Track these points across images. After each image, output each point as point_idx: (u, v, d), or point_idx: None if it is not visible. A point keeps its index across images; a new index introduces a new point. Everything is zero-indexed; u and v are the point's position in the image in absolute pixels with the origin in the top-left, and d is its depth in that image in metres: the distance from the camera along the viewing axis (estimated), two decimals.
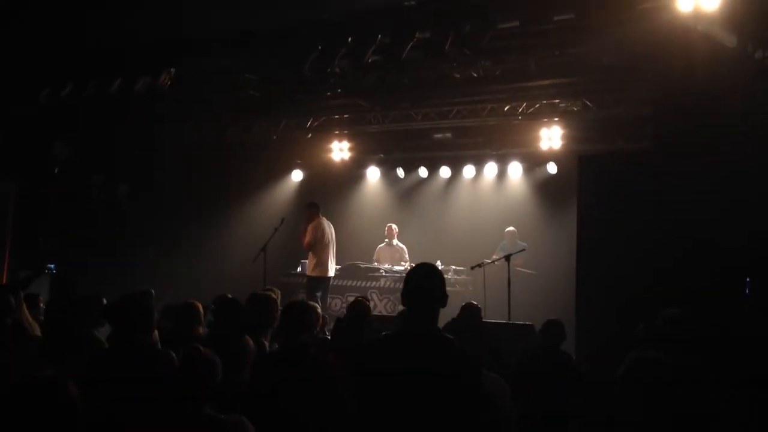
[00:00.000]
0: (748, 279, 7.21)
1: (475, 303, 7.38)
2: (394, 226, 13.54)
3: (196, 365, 3.65)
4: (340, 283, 12.89)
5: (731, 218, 7.21)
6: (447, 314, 7.40)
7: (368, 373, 3.46)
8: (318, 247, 11.62)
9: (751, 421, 5.14)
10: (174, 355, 4.17)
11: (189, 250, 13.24)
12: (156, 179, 12.99)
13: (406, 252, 13.37)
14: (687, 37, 7.49)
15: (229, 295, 5.65)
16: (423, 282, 3.52)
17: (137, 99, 10.48)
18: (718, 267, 7.16)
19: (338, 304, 12.35)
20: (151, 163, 13.02)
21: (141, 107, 11.20)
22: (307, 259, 13.00)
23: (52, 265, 10.88)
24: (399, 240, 13.59)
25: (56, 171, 12.70)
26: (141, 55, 10.27)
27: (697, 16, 7.19)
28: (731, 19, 7.25)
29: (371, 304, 7.04)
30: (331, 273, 11.87)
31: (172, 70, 10.21)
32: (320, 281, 11.65)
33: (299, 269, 13.35)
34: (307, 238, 11.57)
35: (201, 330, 5.99)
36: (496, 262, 10.70)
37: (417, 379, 3.30)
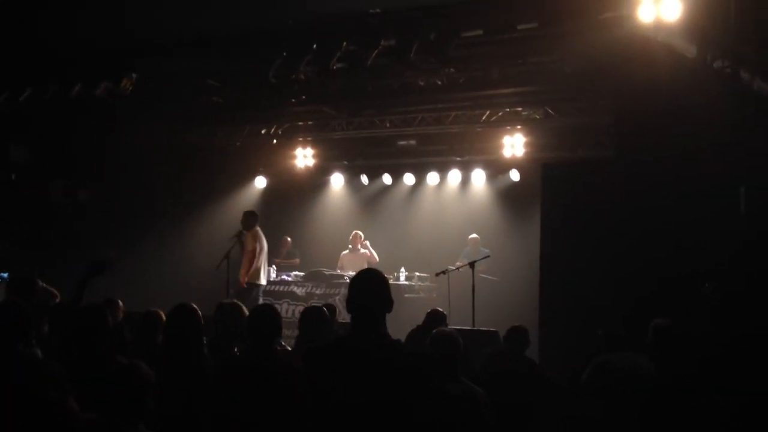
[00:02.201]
0: (706, 284, 7.32)
1: (440, 310, 7.39)
2: (360, 234, 13.51)
3: (130, 380, 3.62)
4: (304, 290, 12.82)
5: (691, 226, 7.32)
6: (412, 321, 7.43)
7: (313, 380, 3.46)
8: (256, 254, 11.49)
9: (713, 427, 5.22)
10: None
11: (150, 257, 13.07)
12: (116, 185, 12.81)
13: (375, 254, 13.30)
14: (648, 47, 7.61)
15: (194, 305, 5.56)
16: (367, 288, 3.54)
17: (98, 103, 10.34)
18: (678, 273, 7.26)
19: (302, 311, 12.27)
20: (111, 168, 12.84)
21: (101, 112, 11.05)
22: (272, 266, 13.04)
23: (5, 274, 10.65)
24: (364, 247, 13.56)
25: (13, 177, 12.46)
26: (102, 60, 10.13)
27: (658, 27, 7.30)
28: (691, 29, 7.38)
29: (336, 311, 7.02)
30: (264, 282, 11.74)
31: (134, 75, 10.09)
32: (252, 288, 11.45)
33: None
34: (252, 245, 11.44)
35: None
36: (460, 269, 10.74)
37: (362, 386, 3.31)
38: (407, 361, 3.41)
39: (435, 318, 7.15)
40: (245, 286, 11.25)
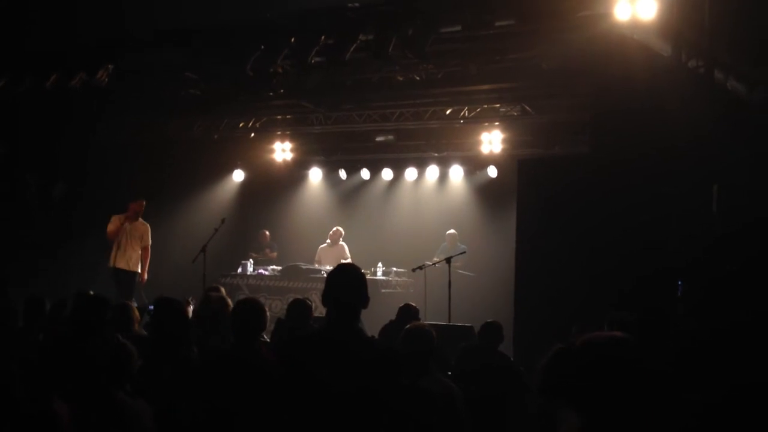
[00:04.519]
0: (680, 282, 7.41)
1: (413, 304, 7.42)
2: (341, 230, 13.50)
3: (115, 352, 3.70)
4: (280, 285, 12.81)
5: (666, 223, 7.41)
6: (389, 316, 7.45)
7: (289, 370, 3.50)
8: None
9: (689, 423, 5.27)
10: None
11: None
12: (94, 178, 12.69)
13: (347, 250, 13.34)
14: (624, 45, 7.69)
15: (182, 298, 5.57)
16: (344, 283, 3.57)
17: (75, 96, 10.25)
18: (653, 270, 7.34)
19: (279, 305, 12.27)
20: (88, 161, 12.73)
21: (78, 104, 10.96)
22: (249, 260, 13.05)
23: None
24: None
25: None
26: (79, 51, 10.05)
27: (634, 25, 7.37)
28: (666, 28, 7.46)
29: (312, 305, 7.03)
30: None
31: (110, 66, 10.01)
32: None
33: (239, 270, 13.23)
34: (149, 239, 11.28)
35: (137, 329, 5.91)
36: (437, 265, 10.78)
37: (336, 377, 3.34)
38: (379, 355, 3.44)
39: (407, 312, 7.19)
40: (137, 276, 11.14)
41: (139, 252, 11.13)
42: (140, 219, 11.23)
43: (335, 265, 11.47)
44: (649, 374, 2.34)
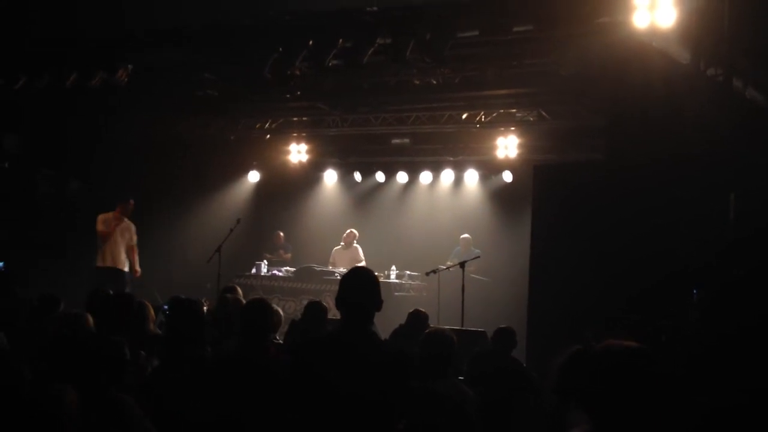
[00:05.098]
0: (695, 290, 7.38)
1: (422, 310, 7.44)
2: (355, 232, 13.53)
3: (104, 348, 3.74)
4: (294, 286, 12.85)
5: (680, 229, 7.38)
6: (402, 319, 7.47)
7: (303, 372, 3.51)
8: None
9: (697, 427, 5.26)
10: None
11: (142, 250, 13.05)
12: (108, 176, 12.78)
13: (361, 253, 13.36)
14: (642, 52, 7.66)
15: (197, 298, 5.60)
16: (358, 286, 3.59)
17: (92, 94, 10.33)
18: (668, 276, 7.31)
19: (292, 307, 12.31)
20: (103, 159, 12.82)
21: (95, 101, 11.04)
22: (263, 260, 13.12)
23: (1, 263, 10.63)
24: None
25: (6, 165, 12.44)
26: (98, 50, 10.12)
27: (653, 32, 7.34)
28: (685, 36, 7.43)
29: (327, 308, 7.06)
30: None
31: (130, 66, 10.08)
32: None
33: (254, 270, 13.28)
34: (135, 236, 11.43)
35: (152, 328, 5.95)
36: (450, 269, 10.77)
37: (348, 379, 3.36)
38: (391, 358, 3.45)
39: (417, 318, 7.20)
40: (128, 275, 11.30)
41: (125, 251, 11.27)
42: (126, 219, 11.35)
43: (349, 267, 11.50)
44: (661, 383, 2.37)
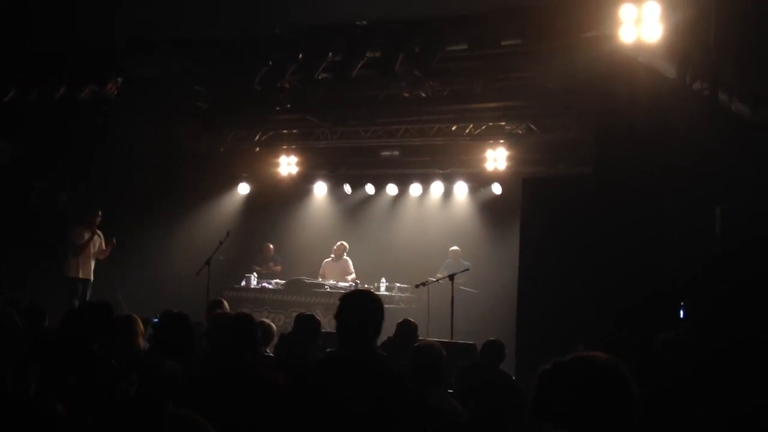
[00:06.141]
0: (682, 302, 7.42)
1: (411, 320, 7.44)
2: (345, 245, 13.54)
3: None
4: (284, 298, 12.83)
5: (668, 242, 7.43)
6: (390, 331, 7.47)
7: (303, 397, 3.53)
8: None
9: None
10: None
11: (130, 261, 13.03)
12: (98, 186, 12.77)
13: (351, 265, 13.37)
14: (629, 66, 7.73)
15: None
16: (352, 313, 3.58)
17: (83, 105, 10.34)
18: (656, 289, 7.35)
19: (282, 319, 12.28)
20: (93, 170, 12.82)
21: (86, 113, 11.05)
22: (252, 273, 13.12)
23: None
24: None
25: None
26: (88, 61, 10.13)
27: (639, 47, 7.41)
28: (671, 51, 7.50)
29: (320, 324, 7.06)
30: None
31: (119, 79, 10.09)
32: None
33: (243, 283, 13.26)
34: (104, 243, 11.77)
35: (141, 343, 5.93)
36: (440, 281, 10.79)
37: (348, 403, 3.38)
38: (390, 376, 3.46)
39: (406, 328, 7.21)
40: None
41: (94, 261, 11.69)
42: (96, 230, 11.73)
43: (339, 279, 11.45)
44: (635, 395, 2.35)
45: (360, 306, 3.59)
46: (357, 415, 3.35)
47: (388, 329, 7.78)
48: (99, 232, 11.72)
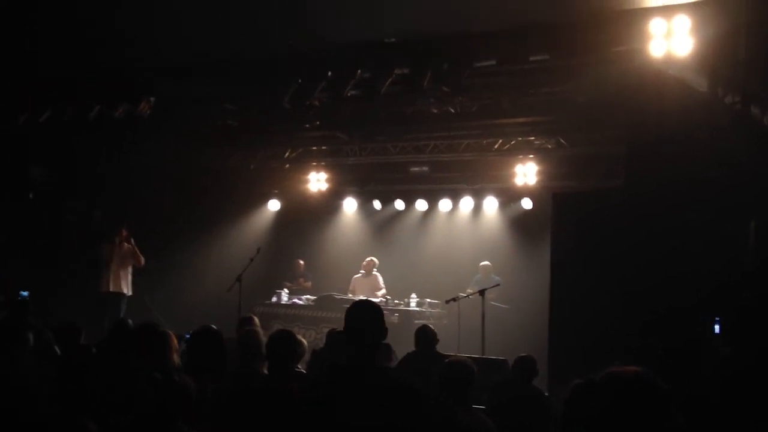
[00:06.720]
0: (717, 318, 7.33)
1: (429, 326, 7.43)
2: (375, 260, 13.57)
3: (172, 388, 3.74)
4: (315, 314, 12.87)
5: (702, 257, 7.35)
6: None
7: (311, 405, 3.60)
8: None
9: None
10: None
11: (163, 279, 13.17)
12: (131, 206, 12.95)
13: (381, 281, 13.38)
14: (659, 80, 7.69)
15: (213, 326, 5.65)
16: (357, 321, 3.69)
17: (114, 124, 10.51)
18: (690, 305, 7.28)
19: (312, 335, 12.33)
20: (125, 189, 13.01)
21: (118, 132, 11.23)
22: (283, 289, 13.20)
23: (26, 293, 10.76)
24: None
25: (31, 196, 12.64)
26: (121, 82, 10.31)
27: (669, 61, 7.38)
28: (702, 64, 7.46)
29: None
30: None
31: (152, 98, 10.25)
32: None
33: (274, 299, 13.33)
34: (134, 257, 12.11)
35: (175, 359, 5.99)
36: (470, 296, 10.77)
37: (359, 412, 3.42)
38: (400, 390, 3.51)
39: (424, 334, 7.20)
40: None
41: (123, 275, 12.08)
42: (125, 244, 12.11)
43: (369, 295, 11.44)
44: (666, 405, 2.37)
45: (359, 314, 3.72)
46: (364, 428, 3.38)
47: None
48: (128, 244, 12.04)
